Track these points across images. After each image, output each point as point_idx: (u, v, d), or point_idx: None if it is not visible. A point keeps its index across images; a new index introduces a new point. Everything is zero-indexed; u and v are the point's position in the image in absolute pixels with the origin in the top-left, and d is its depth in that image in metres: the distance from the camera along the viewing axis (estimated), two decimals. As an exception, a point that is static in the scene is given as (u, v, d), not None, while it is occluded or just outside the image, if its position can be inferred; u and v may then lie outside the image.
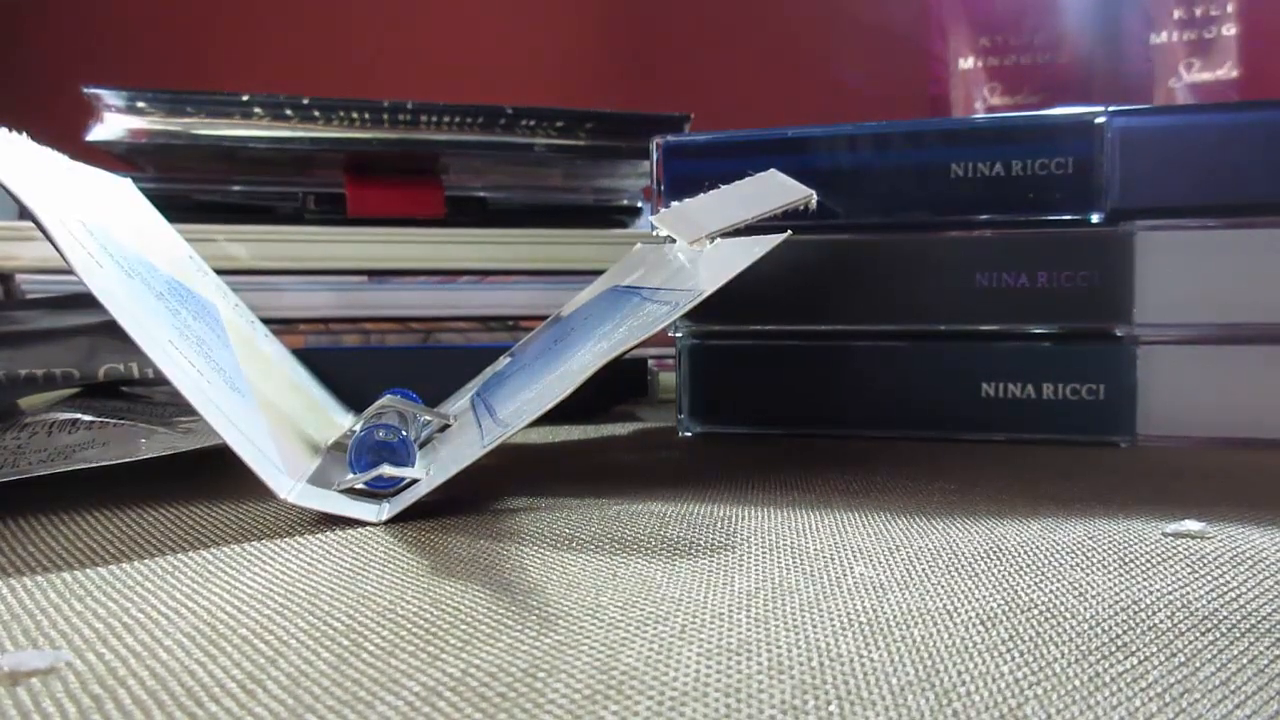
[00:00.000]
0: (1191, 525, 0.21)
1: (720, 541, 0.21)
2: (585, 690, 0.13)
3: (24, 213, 0.21)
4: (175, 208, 0.39)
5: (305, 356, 0.37)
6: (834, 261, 0.33)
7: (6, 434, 0.26)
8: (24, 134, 0.25)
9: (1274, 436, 0.30)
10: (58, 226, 0.21)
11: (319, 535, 0.22)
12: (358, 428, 0.26)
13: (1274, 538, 0.21)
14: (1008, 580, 0.18)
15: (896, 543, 0.21)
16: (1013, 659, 0.14)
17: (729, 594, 0.17)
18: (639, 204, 0.49)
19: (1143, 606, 0.17)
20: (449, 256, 0.43)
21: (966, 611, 0.16)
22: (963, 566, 0.19)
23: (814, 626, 0.16)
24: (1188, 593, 0.17)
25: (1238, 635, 0.15)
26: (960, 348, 0.32)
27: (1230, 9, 0.63)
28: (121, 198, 0.30)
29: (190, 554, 0.20)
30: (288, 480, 0.23)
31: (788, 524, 0.22)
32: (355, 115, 0.41)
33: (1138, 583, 0.18)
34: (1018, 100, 0.69)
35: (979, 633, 0.15)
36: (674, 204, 0.32)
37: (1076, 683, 0.13)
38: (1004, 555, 0.20)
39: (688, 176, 0.34)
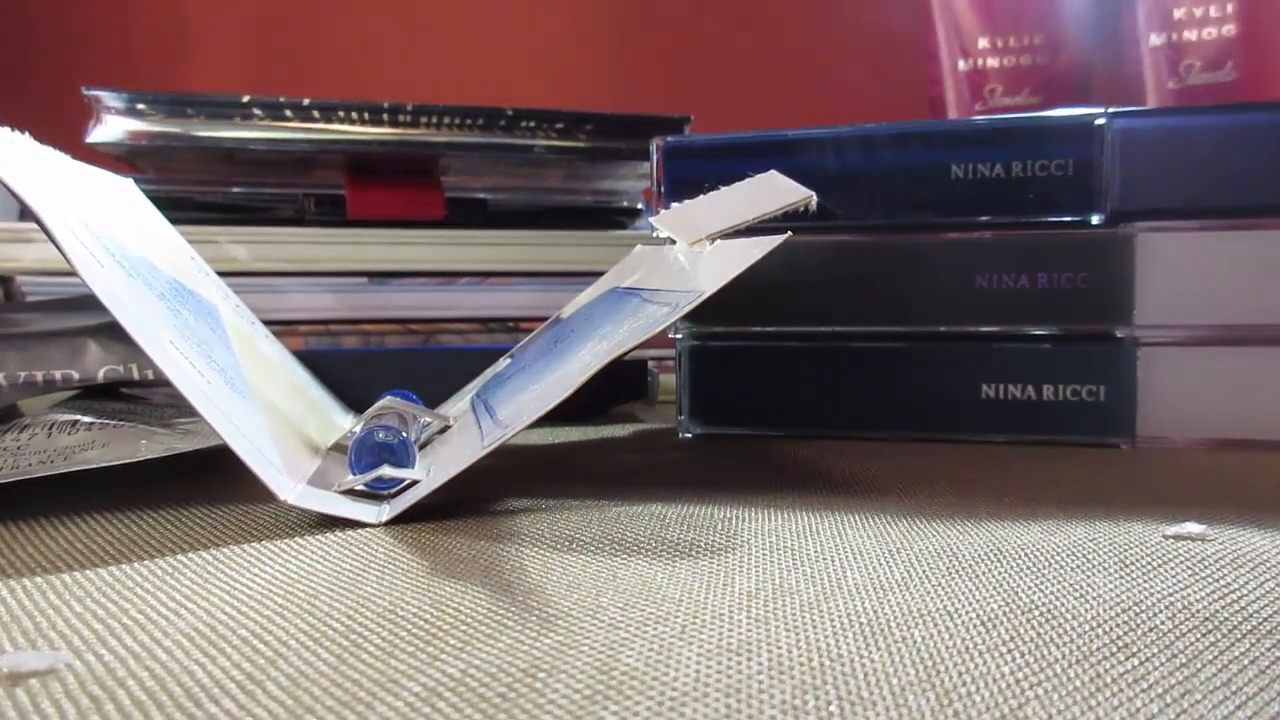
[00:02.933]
0: (1192, 528, 0.21)
1: (720, 543, 0.21)
2: (585, 691, 0.13)
3: (26, 212, 0.21)
4: (175, 209, 0.39)
5: (306, 358, 0.37)
6: (834, 263, 0.33)
7: (6, 435, 0.26)
8: (26, 134, 0.25)
9: (1274, 437, 0.30)
10: (60, 226, 0.21)
11: (319, 536, 0.22)
12: (358, 429, 0.26)
13: (1274, 539, 0.21)
14: (1008, 582, 0.18)
15: (897, 544, 0.21)
16: (1013, 660, 0.14)
17: (729, 595, 0.17)
18: (639, 205, 0.49)
19: (1144, 608, 0.17)
20: (449, 258, 0.43)
21: (967, 613, 0.16)
22: (963, 568, 0.19)
23: (814, 627, 0.16)
24: (1188, 594, 0.17)
25: (1238, 636, 0.15)
26: (960, 349, 0.32)
27: (1230, 9, 0.63)
28: (123, 198, 0.30)
29: (190, 555, 0.20)
30: (288, 481, 0.23)
31: (788, 525, 0.22)
32: (355, 116, 0.41)
33: (1138, 584, 0.18)
34: (1018, 101, 0.69)
35: (980, 634, 0.15)
36: (674, 205, 0.32)
37: (1077, 683, 0.13)
38: (1004, 557, 0.20)
39: (688, 178, 0.34)
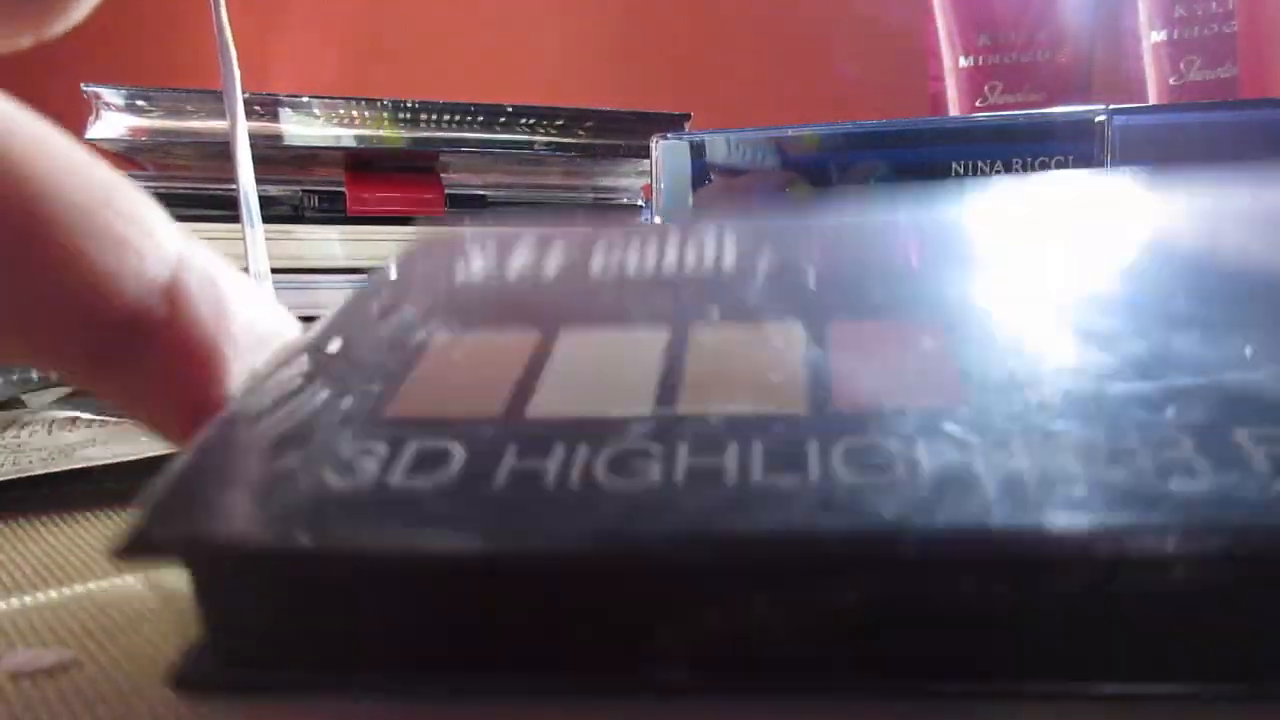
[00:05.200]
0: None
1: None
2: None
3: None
4: (174, 205, 0.39)
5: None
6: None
7: (7, 432, 0.26)
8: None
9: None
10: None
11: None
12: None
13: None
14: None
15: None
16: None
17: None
18: (639, 202, 0.49)
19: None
20: (449, 255, 0.43)
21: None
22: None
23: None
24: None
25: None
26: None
27: (1232, 5, 0.63)
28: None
29: (191, 553, 0.20)
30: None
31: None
32: (355, 113, 0.41)
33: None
34: (1018, 99, 0.69)
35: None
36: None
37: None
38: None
39: (688, 175, 0.34)
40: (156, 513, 0.12)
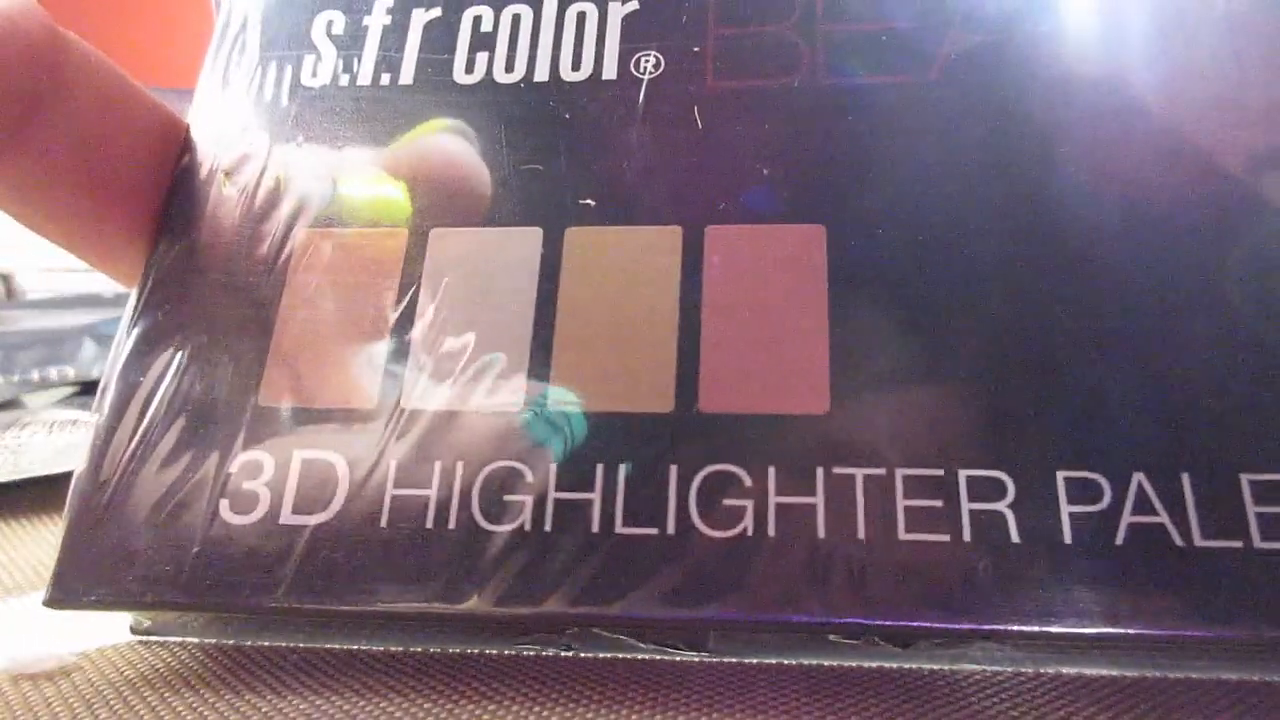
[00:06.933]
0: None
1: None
2: None
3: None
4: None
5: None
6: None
7: (7, 432, 0.26)
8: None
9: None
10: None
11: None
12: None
13: None
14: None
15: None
16: None
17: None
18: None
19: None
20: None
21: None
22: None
23: None
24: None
25: None
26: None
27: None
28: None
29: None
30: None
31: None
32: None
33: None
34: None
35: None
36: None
37: None
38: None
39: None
40: (64, 575, 0.13)
